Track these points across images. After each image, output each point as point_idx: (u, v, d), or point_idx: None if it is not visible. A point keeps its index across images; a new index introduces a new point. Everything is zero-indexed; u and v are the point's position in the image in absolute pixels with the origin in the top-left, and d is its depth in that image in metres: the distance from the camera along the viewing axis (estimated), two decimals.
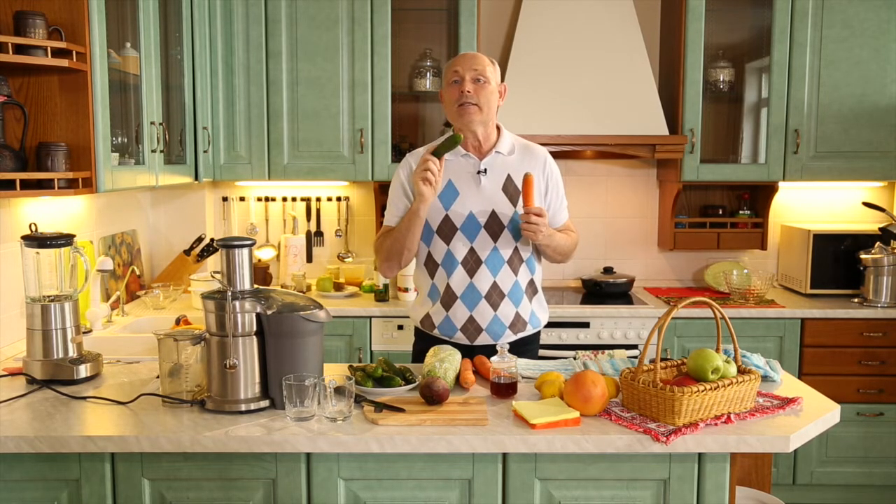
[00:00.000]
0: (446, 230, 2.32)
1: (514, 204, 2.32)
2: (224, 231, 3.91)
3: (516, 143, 2.42)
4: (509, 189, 2.33)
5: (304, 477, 1.80)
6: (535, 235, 2.21)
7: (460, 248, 2.32)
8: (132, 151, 2.77)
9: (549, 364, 2.26)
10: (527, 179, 2.22)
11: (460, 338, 2.36)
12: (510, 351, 2.06)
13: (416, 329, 2.50)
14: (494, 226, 2.31)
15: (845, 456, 3.44)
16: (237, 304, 1.85)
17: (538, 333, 2.50)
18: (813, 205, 3.94)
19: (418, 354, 2.47)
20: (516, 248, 2.34)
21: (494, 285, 2.32)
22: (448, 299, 2.35)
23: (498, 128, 2.40)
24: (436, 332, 2.39)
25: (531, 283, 2.41)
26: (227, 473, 1.79)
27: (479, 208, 2.31)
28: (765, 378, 2.12)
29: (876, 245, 3.47)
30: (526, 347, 2.41)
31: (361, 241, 3.93)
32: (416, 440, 1.72)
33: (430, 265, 2.38)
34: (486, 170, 2.33)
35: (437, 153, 2.22)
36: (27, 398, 2.00)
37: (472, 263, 2.32)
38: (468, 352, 2.29)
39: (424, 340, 2.44)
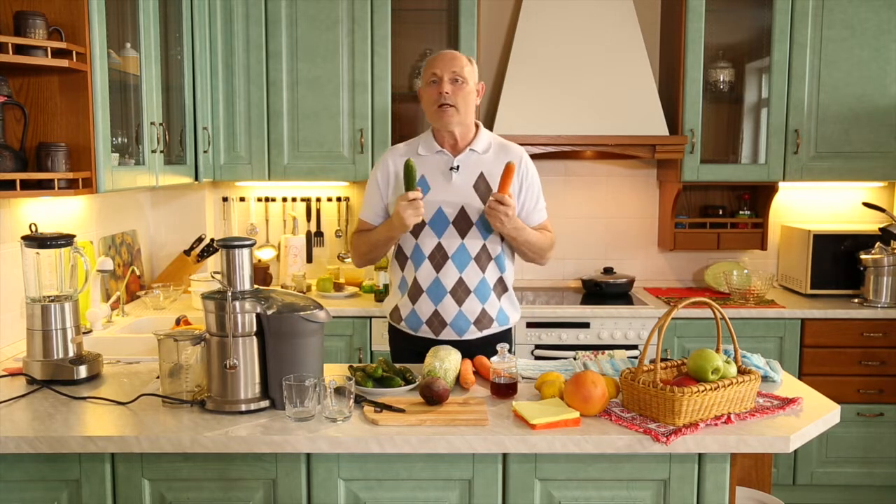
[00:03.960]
0: (416, 224, 2.31)
1: (485, 202, 2.31)
2: (224, 231, 3.91)
3: (494, 142, 2.43)
4: (481, 187, 2.34)
5: (304, 477, 1.80)
6: (495, 221, 2.22)
7: (428, 242, 2.34)
8: (132, 152, 2.78)
9: (549, 364, 2.26)
10: (507, 167, 2.23)
11: (425, 331, 2.37)
12: (478, 348, 2.04)
13: (389, 325, 2.51)
14: (462, 222, 2.33)
15: (845, 456, 3.44)
16: (237, 304, 1.85)
17: (508, 331, 2.49)
18: (813, 205, 3.94)
19: (396, 353, 2.49)
20: (484, 246, 2.35)
21: (460, 281, 2.33)
22: (415, 292, 2.37)
23: (476, 126, 2.42)
24: (402, 325, 2.42)
25: (500, 280, 2.41)
26: (227, 474, 1.79)
27: (448, 204, 2.33)
28: (765, 378, 2.12)
29: (876, 245, 3.47)
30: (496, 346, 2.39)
31: None
32: (416, 440, 1.73)
33: (401, 258, 2.41)
34: (458, 166, 2.36)
35: (412, 188, 2.25)
36: (27, 398, 2.00)
37: (439, 258, 2.34)
38: (432, 346, 2.22)
39: (396, 337, 2.47)
